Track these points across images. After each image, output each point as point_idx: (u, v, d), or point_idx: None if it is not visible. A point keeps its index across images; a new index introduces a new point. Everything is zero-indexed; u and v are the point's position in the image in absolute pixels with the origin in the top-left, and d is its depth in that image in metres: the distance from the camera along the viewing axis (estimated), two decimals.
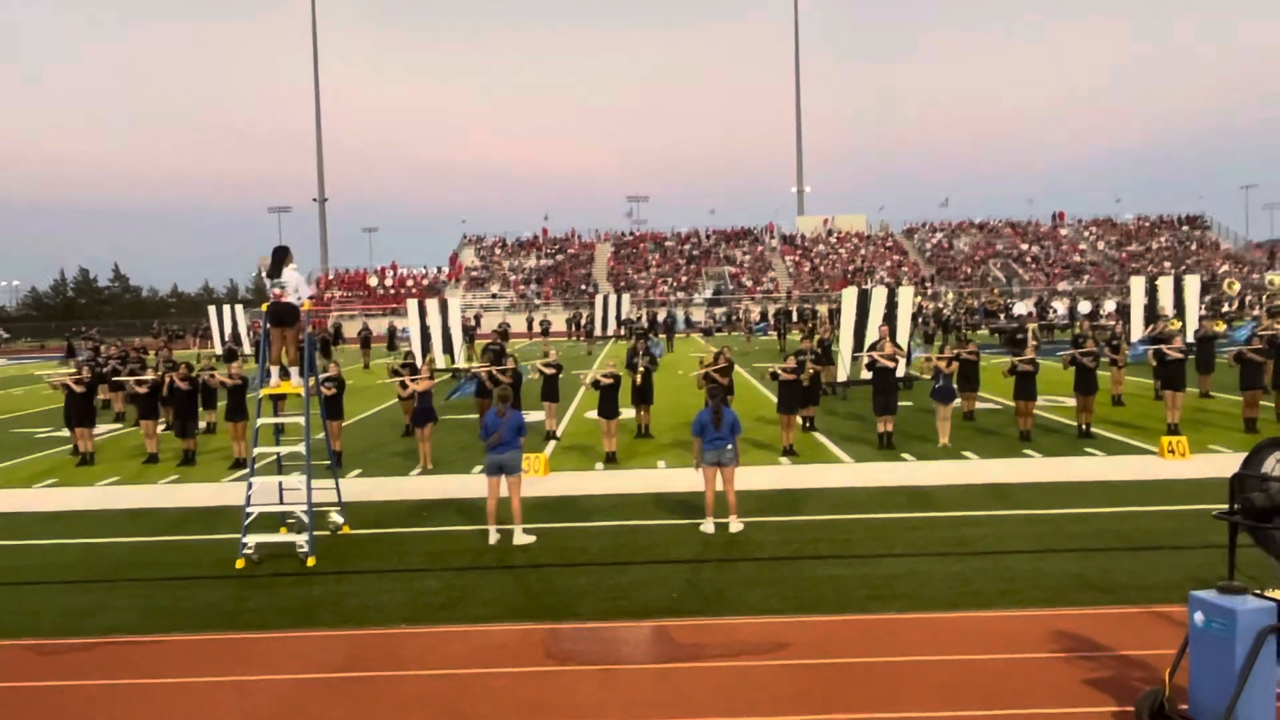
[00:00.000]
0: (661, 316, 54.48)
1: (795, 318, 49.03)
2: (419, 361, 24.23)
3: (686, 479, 13.95)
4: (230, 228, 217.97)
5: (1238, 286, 55.56)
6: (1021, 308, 51.62)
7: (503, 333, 26.23)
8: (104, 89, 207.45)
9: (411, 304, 34.16)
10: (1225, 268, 69.12)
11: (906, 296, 25.73)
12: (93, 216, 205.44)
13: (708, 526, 11.75)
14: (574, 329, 56.23)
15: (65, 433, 19.58)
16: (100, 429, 20.61)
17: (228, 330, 46.82)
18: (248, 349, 43.16)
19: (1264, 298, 45.04)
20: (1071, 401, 18.58)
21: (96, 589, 10.39)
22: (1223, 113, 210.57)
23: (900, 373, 18.53)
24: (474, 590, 9.90)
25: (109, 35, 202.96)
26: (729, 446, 11.65)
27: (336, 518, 12.27)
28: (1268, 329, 19.21)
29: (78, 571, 11.08)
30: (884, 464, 15.78)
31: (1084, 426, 17.60)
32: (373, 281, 77.08)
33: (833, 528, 11.86)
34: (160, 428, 19.08)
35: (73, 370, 19.46)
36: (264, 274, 11.92)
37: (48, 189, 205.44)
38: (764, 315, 57.83)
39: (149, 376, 18.99)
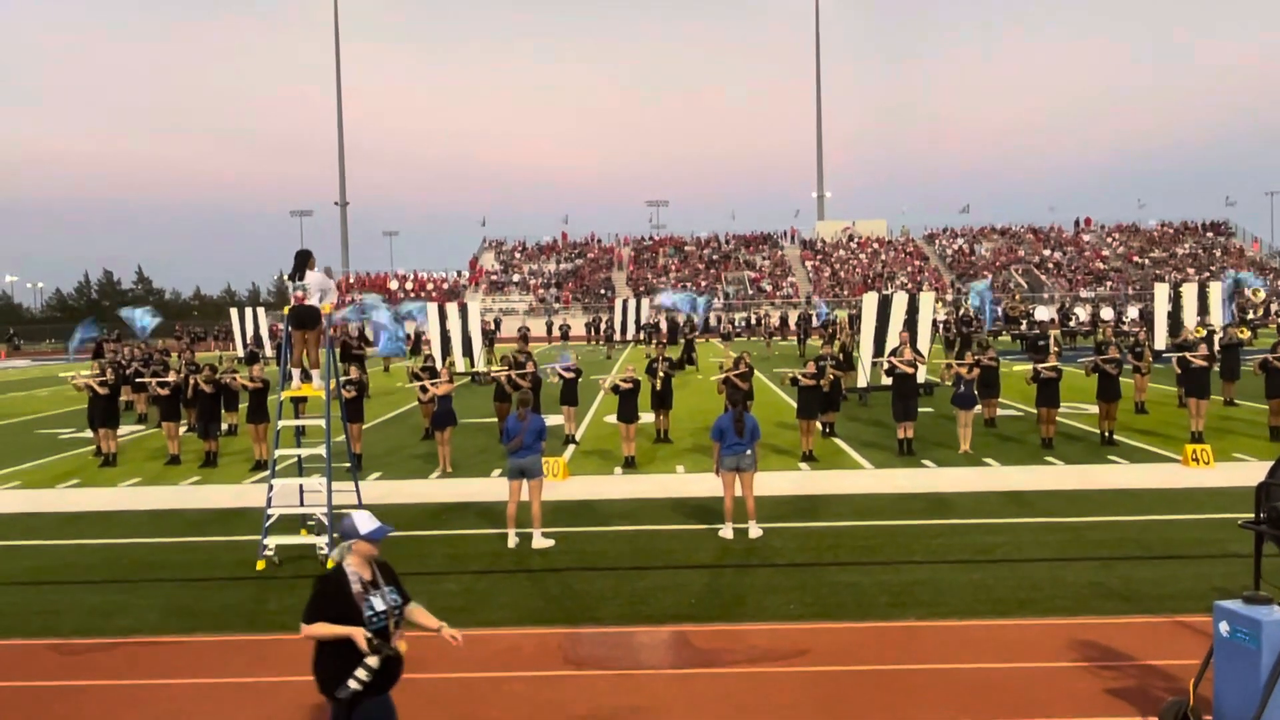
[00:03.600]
0: (681, 320, 54.34)
1: (815, 323, 48.89)
2: (439, 365, 24.30)
3: (705, 484, 13.93)
4: (253, 231, 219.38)
5: (1263, 293, 55.02)
6: (1043, 314, 51.33)
7: (523, 336, 26.30)
8: (128, 91, 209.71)
9: (431, 308, 34.29)
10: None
11: (927, 302, 25.64)
12: (117, 219, 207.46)
13: (726, 532, 11.72)
14: (593, 333, 56.30)
15: (89, 434, 19.73)
16: (123, 430, 20.77)
17: (249, 332, 47.13)
18: (269, 351, 43.46)
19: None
20: (1094, 408, 18.45)
21: (118, 589, 10.45)
22: (1248, 118, 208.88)
23: (920, 378, 18.46)
24: (492, 593, 9.92)
25: (132, 37, 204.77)
26: (748, 452, 11.62)
27: None
28: None
29: (99, 572, 11.16)
30: (904, 470, 15.71)
31: (1107, 434, 17.46)
32: (393, 285, 77.46)
33: (853, 534, 11.81)
34: (182, 429, 19.22)
35: (97, 372, 19.63)
36: (286, 279, 11.98)
37: (72, 191, 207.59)
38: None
39: (171, 378, 19.13)
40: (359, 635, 5.00)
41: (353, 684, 4.99)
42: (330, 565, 10.75)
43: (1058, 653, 7.91)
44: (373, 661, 5.00)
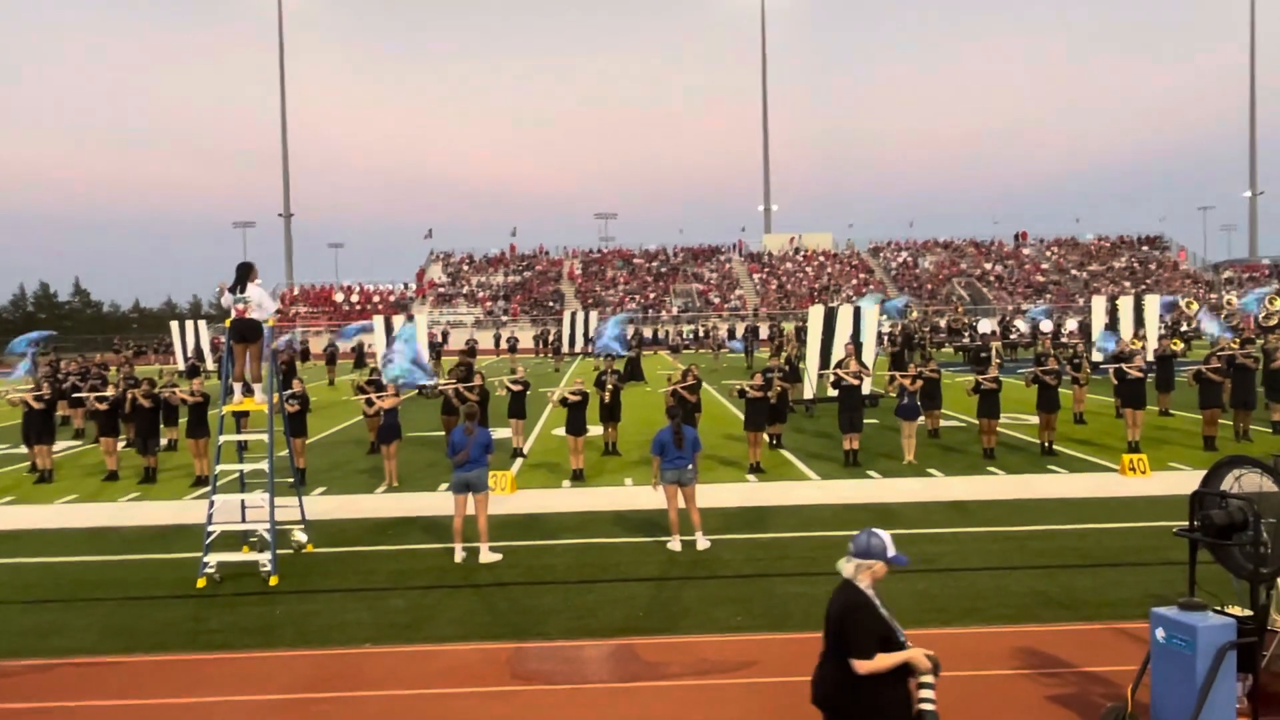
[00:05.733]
0: (629, 334, 54.28)
1: (763, 335, 49.23)
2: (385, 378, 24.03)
3: (653, 497, 13.88)
4: (194, 243, 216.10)
5: (1196, 306, 56.40)
6: (985, 326, 52.17)
7: (470, 350, 26.14)
8: (66, 101, 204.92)
9: (378, 320, 33.99)
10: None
11: (872, 315, 25.93)
12: (54, 230, 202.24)
13: (674, 544, 11.74)
14: (542, 346, 56.17)
15: (23, 450, 19.23)
16: (59, 446, 20.29)
17: (190, 346, 46.32)
18: (210, 365, 42.74)
19: (1221, 317, 45.71)
20: (1034, 419, 18.78)
21: (54, 609, 10.21)
22: (1181, 135, 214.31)
23: (865, 390, 18.67)
24: (439, 609, 9.83)
25: (71, 47, 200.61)
26: (689, 465, 11.66)
27: (300, 536, 12.13)
28: (1225, 348, 19.53)
29: (35, 591, 10.88)
30: (850, 481, 15.85)
31: (1046, 444, 17.78)
32: (339, 298, 76.62)
33: (799, 545, 11.89)
34: (121, 445, 18.82)
35: (32, 386, 19.17)
36: (226, 290, 11.80)
37: (7, 201, 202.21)
38: (731, 333, 57.55)
39: (109, 393, 18.73)
40: (919, 656, 4.69)
41: (931, 706, 4.65)
42: (273, 583, 10.60)
43: (1000, 660, 8.03)
44: (931, 679, 4.67)
